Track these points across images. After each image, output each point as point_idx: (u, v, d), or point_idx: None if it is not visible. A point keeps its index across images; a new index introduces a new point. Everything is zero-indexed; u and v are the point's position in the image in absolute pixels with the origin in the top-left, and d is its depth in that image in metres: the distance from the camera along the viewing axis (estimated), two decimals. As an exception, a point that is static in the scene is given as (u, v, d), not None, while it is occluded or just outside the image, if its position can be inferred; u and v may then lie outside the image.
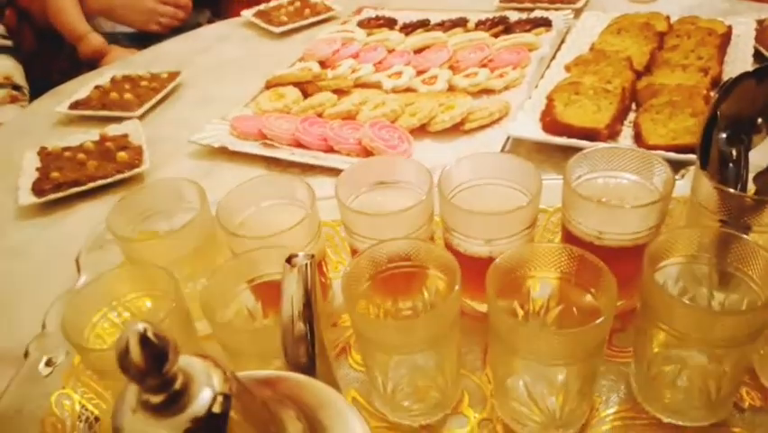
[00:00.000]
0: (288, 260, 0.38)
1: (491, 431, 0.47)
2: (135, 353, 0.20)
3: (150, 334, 0.20)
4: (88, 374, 0.52)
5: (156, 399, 0.21)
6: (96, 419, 0.50)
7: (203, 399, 0.22)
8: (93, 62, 1.38)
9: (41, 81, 1.29)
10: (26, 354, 0.55)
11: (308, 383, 0.30)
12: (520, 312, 0.47)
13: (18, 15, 1.38)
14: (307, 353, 0.38)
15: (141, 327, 0.20)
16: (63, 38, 1.42)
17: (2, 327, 0.64)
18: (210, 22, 1.57)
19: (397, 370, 0.46)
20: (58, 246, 0.74)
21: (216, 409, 0.22)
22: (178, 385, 0.21)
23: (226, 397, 0.22)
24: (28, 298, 0.67)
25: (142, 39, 1.43)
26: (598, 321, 0.38)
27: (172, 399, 0.21)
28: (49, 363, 0.54)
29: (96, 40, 1.38)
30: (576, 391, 0.43)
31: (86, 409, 0.50)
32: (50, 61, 1.46)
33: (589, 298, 0.44)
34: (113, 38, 1.44)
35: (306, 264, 0.38)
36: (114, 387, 0.46)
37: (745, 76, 0.49)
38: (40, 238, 0.76)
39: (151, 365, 0.20)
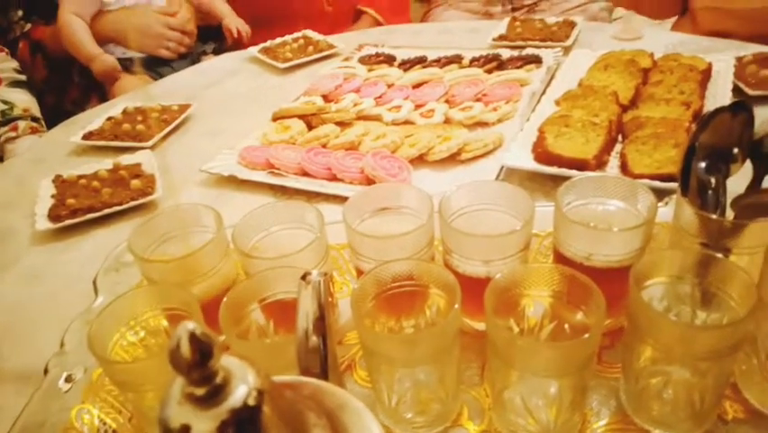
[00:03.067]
0: (303, 277, 0.42)
1: (489, 442, 0.49)
2: (185, 348, 0.23)
3: (198, 332, 0.23)
4: (107, 390, 0.55)
5: (199, 391, 0.24)
6: (114, 432, 0.52)
7: (240, 392, 0.25)
8: (107, 81, 1.44)
9: (53, 111, 1.34)
10: (46, 371, 0.58)
11: (327, 387, 0.33)
12: (516, 329, 0.50)
13: (31, 47, 1.44)
14: (320, 364, 0.41)
15: (191, 326, 0.23)
16: (73, 68, 1.47)
17: (20, 347, 0.67)
18: (215, 52, 1.64)
19: (402, 383, 0.49)
20: (73, 270, 0.77)
21: (251, 402, 0.25)
22: (219, 380, 0.24)
23: (260, 392, 0.25)
24: (44, 319, 0.70)
25: (152, 64, 1.49)
26: (587, 335, 0.42)
27: (214, 392, 0.24)
28: (68, 380, 0.57)
29: (108, 59, 1.44)
30: (569, 402, 0.46)
31: (105, 424, 0.53)
32: (62, 91, 1.52)
33: (579, 315, 0.48)
34: (123, 63, 1.50)
35: (320, 281, 0.41)
36: (135, 400, 0.49)
37: (721, 110, 0.53)
38: (55, 262, 0.79)
39: (198, 360, 0.23)
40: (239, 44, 1.58)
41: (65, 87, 1.52)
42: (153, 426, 0.50)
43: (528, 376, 0.46)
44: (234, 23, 1.60)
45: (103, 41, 1.48)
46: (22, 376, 0.63)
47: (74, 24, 1.41)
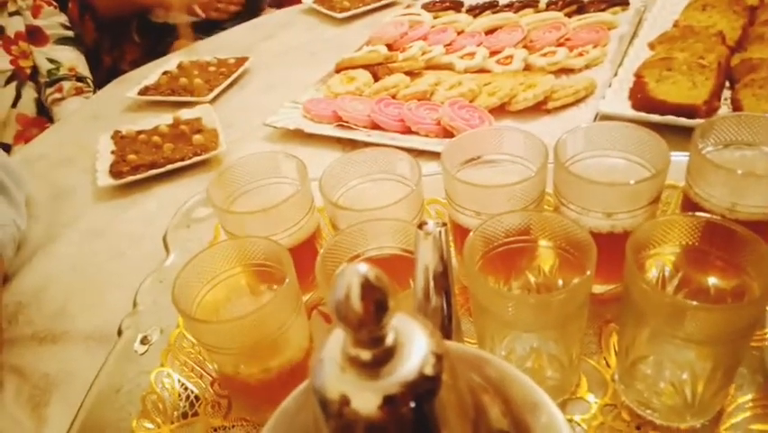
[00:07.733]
0: (420, 227, 0.36)
1: (616, 417, 0.43)
2: (356, 298, 0.17)
3: (372, 278, 0.18)
4: (186, 352, 0.51)
5: (366, 355, 0.19)
6: (197, 397, 0.48)
7: (414, 360, 0.19)
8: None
9: (111, 72, 1.30)
10: (119, 333, 0.54)
11: (484, 355, 0.27)
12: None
13: (80, 7, 1.39)
14: (443, 327, 0.35)
15: (363, 269, 0.18)
16: (131, 28, 1.43)
17: (88, 306, 0.63)
18: (272, 5, 1.57)
19: (516, 350, 0.44)
20: (137, 228, 0.73)
21: (428, 371, 0.19)
22: (389, 341, 0.19)
23: (438, 357, 0.19)
24: (111, 278, 0.66)
25: (202, 28, 1.43)
26: (753, 297, 0.35)
27: (383, 357, 0.19)
28: (144, 342, 0.53)
29: None
30: (719, 376, 0.39)
31: (186, 389, 0.49)
32: (119, 53, 1.47)
33: (731, 275, 0.41)
34: (173, 28, 1.44)
35: (441, 231, 0.35)
36: (221, 361, 0.44)
37: None
38: (118, 220, 0.75)
39: (372, 315, 0.18)
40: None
41: (121, 47, 1.48)
42: (240, 391, 0.46)
43: (674, 345, 0.40)
44: None
45: (148, 6, 1.43)
46: (92, 337, 0.60)
47: None
